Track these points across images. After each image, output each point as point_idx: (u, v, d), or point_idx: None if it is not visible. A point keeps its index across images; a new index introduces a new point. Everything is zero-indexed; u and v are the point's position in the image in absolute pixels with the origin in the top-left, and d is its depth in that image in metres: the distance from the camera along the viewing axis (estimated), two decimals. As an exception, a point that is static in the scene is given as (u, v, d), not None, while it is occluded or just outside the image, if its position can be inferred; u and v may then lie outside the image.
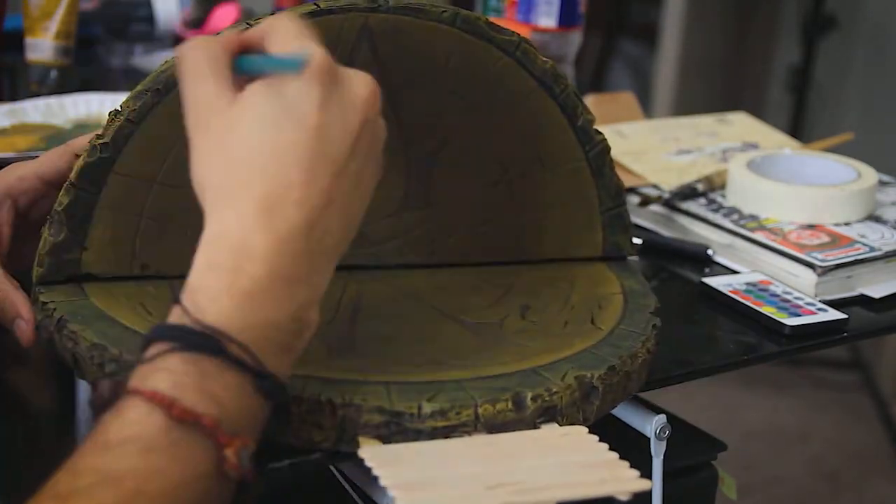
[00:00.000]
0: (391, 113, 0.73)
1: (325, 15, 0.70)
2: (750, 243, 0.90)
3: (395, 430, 0.58)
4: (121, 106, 0.68)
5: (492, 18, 1.22)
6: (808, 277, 0.85)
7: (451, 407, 0.58)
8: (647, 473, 0.68)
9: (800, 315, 0.80)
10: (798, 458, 2.19)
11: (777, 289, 0.84)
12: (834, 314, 0.81)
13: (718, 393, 2.31)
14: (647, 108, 2.72)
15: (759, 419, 2.31)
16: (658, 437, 0.70)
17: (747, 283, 0.85)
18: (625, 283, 0.75)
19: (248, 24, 0.64)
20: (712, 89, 2.96)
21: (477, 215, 0.78)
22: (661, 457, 0.70)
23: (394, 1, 0.72)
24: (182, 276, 0.69)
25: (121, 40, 1.52)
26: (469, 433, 0.58)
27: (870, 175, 0.97)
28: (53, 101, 1.11)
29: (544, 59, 0.75)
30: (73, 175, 0.68)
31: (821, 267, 0.85)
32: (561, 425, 0.60)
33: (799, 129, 2.61)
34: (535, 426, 0.60)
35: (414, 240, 0.77)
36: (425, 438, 0.58)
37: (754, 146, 1.13)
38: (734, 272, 0.90)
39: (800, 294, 0.84)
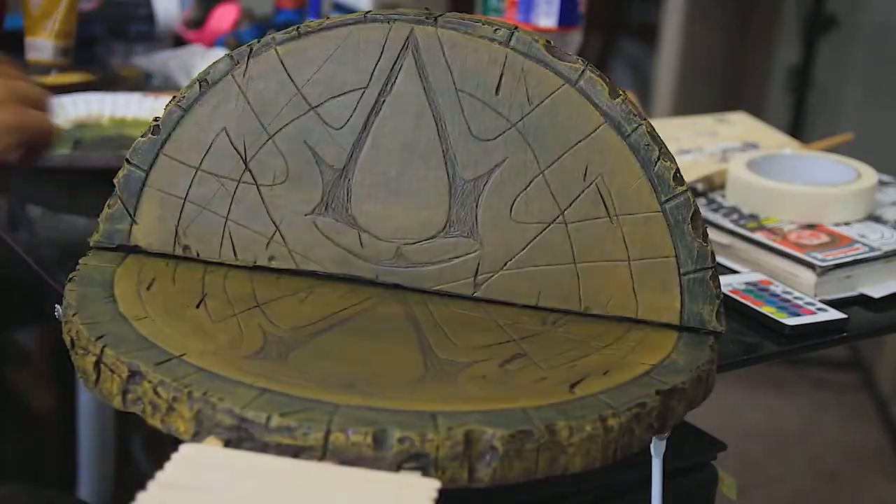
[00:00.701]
0: (436, 131, 0.72)
1: (371, 23, 0.71)
2: (750, 243, 0.91)
3: (244, 437, 0.56)
4: (178, 93, 0.73)
5: (492, 18, 1.22)
6: (807, 277, 0.85)
7: (300, 426, 0.55)
8: (647, 473, 0.68)
9: (800, 315, 0.80)
10: (798, 458, 2.19)
11: (777, 289, 0.85)
12: (834, 314, 0.81)
13: (718, 393, 2.31)
14: (648, 108, 2.72)
15: (759, 419, 2.31)
16: (658, 437, 0.70)
17: (747, 283, 0.85)
18: (672, 357, 0.67)
19: None
20: (712, 89, 2.96)
21: (528, 254, 0.72)
22: (661, 457, 0.70)
23: (444, 15, 0.70)
24: (219, 263, 0.74)
25: (121, 40, 1.52)
26: (318, 459, 0.55)
27: (870, 175, 0.97)
28: (53, 101, 1.11)
29: (616, 90, 0.69)
30: (129, 151, 0.74)
31: (820, 267, 0.85)
32: (437, 478, 0.55)
33: (799, 129, 2.61)
34: (397, 469, 0.55)
35: (456, 269, 0.73)
36: (273, 453, 0.55)
37: (754, 146, 1.13)
38: (734, 272, 0.90)
39: (799, 294, 0.84)
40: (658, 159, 0.68)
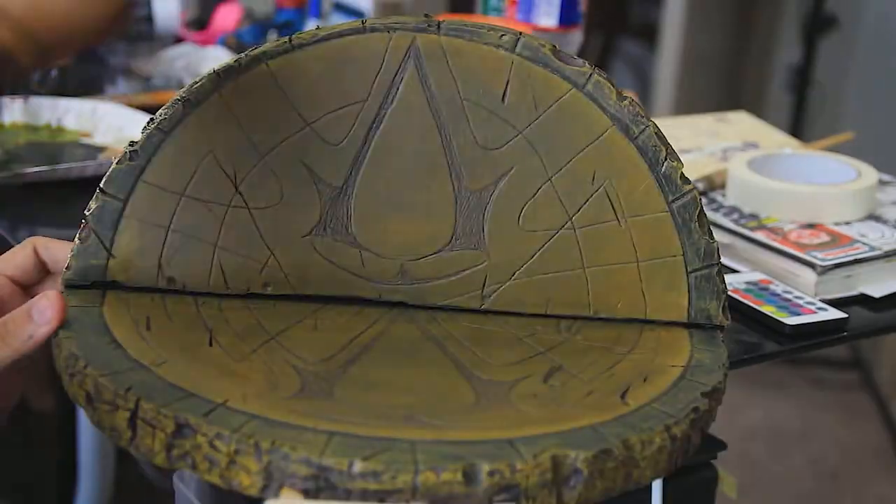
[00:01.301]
0: (440, 142, 0.70)
1: (370, 33, 0.69)
2: (750, 243, 0.90)
3: (324, 486, 0.53)
4: (156, 114, 0.68)
5: (492, 18, 1.23)
6: (808, 276, 0.85)
7: (387, 469, 0.53)
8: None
9: (800, 314, 0.80)
10: (798, 457, 2.19)
11: (777, 288, 0.84)
12: (834, 313, 0.81)
13: (718, 393, 2.31)
14: (648, 108, 2.72)
15: (759, 419, 2.31)
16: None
17: (747, 283, 0.85)
18: (696, 356, 0.66)
19: None
20: (713, 89, 2.96)
21: (537, 262, 0.71)
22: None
23: (447, 22, 0.68)
24: (209, 294, 0.70)
25: (121, 40, 1.52)
26: (407, 501, 0.53)
27: (870, 174, 0.97)
28: (33, 102, 1.12)
29: (622, 93, 0.69)
30: (102, 181, 0.68)
31: (821, 266, 0.85)
32: None
33: (799, 128, 2.61)
34: None
35: (463, 282, 0.71)
36: (356, 500, 0.53)
37: (754, 145, 1.13)
38: (734, 271, 0.90)
39: (800, 293, 0.84)
40: (665, 159, 0.68)
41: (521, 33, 0.69)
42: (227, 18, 1.57)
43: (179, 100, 0.68)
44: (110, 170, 0.68)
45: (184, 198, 0.69)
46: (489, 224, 0.71)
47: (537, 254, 0.71)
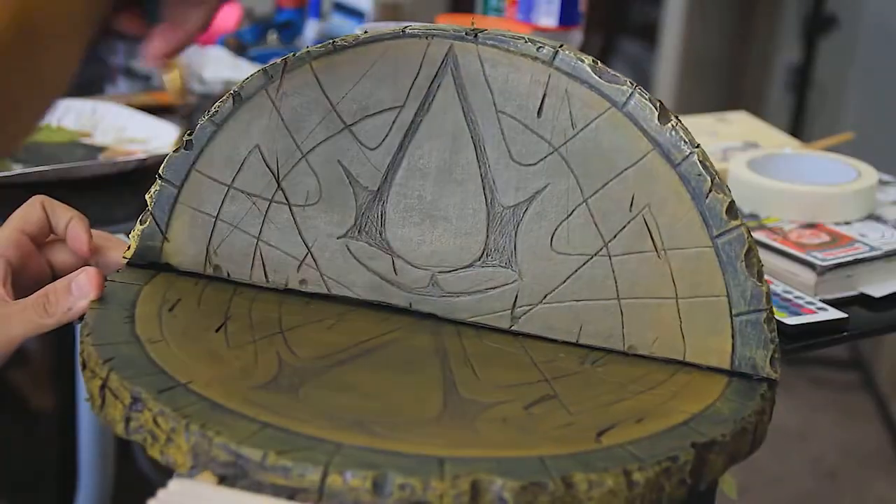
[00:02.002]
0: (475, 154, 0.69)
1: (408, 38, 0.68)
2: (750, 243, 0.91)
3: (239, 474, 0.53)
4: (211, 107, 0.71)
5: (492, 18, 1.23)
6: (808, 277, 0.85)
7: (296, 466, 0.52)
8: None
9: (800, 314, 0.80)
10: (798, 458, 2.19)
11: (777, 288, 0.85)
12: (834, 313, 0.81)
13: (718, 393, 2.31)
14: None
15: (759, 419, 2.30)
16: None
17: (747, 283, 0.85)
18: (717, 405, 0.62)
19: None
20: (712, 88, 2.96)
21: (569, 287, 0.68)
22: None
23: (485, 31, 0.67)
24: (250, 285, 0.72)
25: (121, 40, 1.52)
26: (314, 502, 0.52)
27: (870, 174, 0.97)
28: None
29: (667, 115, 0.64)
30: (161, 167, 0.71)
31: (821, 266, 0.85)
32: None
33: (799, 128, 2.61)
34: None
35: (493, 299, 0.70)
36: (267, 493, 0.52)
37: (755, 145, 1.13)
38: (734, 271, 0.90)
39: (800, 293, 0.84)
40: (710, 191, 0.64)
41: (560, 45, 0.67)
42: (227, 18, 1.57)
43: (232, 94, 0.70)
44: (168, 157, 0.71)
45: (231, 189, 0.71)
46: (521, 242, 0.69)
47: (569, 278, 0.68)
